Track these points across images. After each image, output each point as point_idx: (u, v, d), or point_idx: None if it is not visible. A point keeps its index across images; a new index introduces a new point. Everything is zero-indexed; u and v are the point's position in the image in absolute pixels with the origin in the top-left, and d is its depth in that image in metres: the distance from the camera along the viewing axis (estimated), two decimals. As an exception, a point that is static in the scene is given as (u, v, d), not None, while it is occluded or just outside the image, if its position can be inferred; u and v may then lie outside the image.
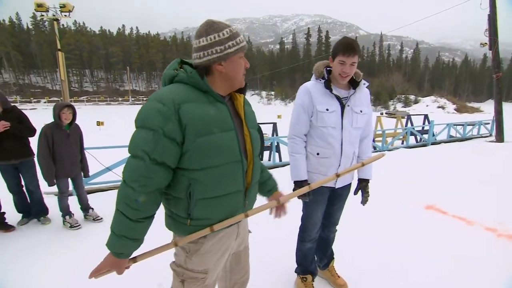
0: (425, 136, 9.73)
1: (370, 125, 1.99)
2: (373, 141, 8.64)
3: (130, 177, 1.02)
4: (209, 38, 1.07)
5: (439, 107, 40.54)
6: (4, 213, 3.28)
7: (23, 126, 3.21)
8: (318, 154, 1.86)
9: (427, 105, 41.71)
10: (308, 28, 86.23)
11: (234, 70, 1.12)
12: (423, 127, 10.37)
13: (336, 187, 1.95)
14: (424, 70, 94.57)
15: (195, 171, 1.07)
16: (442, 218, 3.50)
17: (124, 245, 1.06)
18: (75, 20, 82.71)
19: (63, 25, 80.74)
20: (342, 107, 1.80)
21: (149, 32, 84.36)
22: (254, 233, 1.53)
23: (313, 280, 2.17)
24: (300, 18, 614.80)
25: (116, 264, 1.08)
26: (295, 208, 1.99)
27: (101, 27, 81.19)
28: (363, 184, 1.97)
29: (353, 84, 1.83)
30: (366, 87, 1.90)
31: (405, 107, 44.14)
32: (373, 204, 3.94)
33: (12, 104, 3.25)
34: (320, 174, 1.88)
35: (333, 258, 2.29)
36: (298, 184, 1.86)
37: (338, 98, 1.79)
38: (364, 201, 2.00)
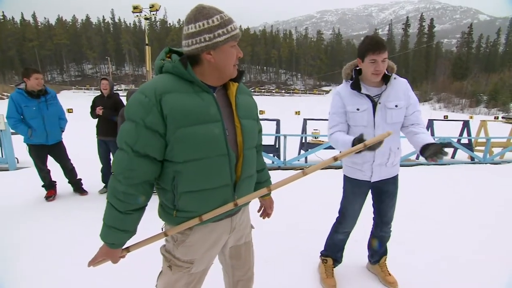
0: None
1: (416, 115, 1.83)
2: (473, 151, 7.06)
3: (116, 169, 1.04)
4: (198, 25, 1.00)
5: None
6: (80, 179, 3.99)
7: (115, 111, 3.85)
8: None
9: None
10: (407, 17, 76.32)
11: (224, 60, 1.05)
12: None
13: (372, 181, 1.92)
14: None
15: (178, 163, 1.04)
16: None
17: (115, 236, 1.09)
18: (179, 19, 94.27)
19: (169, 23, 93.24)
20: (374, 105, 1.78)
21: (240, 26, 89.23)
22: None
23: (334, 266, 2.20)
24: (401, 6, 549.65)
25: (110, 253, 1.13)
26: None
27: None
28: (432, 151, 1.52)
29: (386, 79, 1.79)
30: (402, 77, 1.85)
31: (536, 111, 34.83)
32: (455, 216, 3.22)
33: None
34: (356, 169, 1.92)
35: (386, 254, 2.22)
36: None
37: (368, 97, 1.78)
38: (436, 157, 1.51)
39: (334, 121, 1.86)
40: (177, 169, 1.04)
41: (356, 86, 1.78)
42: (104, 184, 4.11)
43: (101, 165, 4.06)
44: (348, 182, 2.00)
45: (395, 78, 1.79)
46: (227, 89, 1.15)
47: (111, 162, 4.04)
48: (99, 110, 3.80)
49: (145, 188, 1.06)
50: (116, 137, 3.76)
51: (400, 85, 1.81)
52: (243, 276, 1.40)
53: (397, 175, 1.99)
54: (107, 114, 3.83)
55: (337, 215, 2.13)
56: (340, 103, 1.84)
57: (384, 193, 1.99)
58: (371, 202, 2.08)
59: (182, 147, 1.02)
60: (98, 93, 4.11)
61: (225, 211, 1.13)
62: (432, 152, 1.50)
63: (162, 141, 1.02)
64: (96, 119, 3.97)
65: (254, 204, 1.47)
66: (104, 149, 3.99)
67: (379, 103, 1.76)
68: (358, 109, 1.79)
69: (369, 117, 1.78)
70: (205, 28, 1.00)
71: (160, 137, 1.01)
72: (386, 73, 1.78)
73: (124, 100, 3.94)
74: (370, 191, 2.03)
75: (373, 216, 2.12)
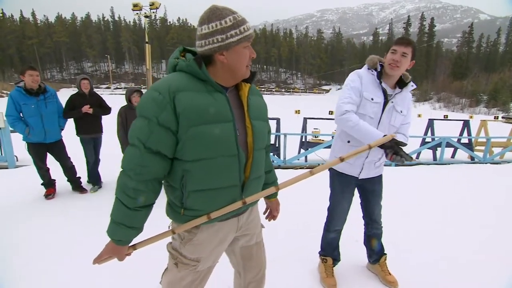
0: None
1: (406, 126, 1.97)
2: (473, 150, 7.05)
3: (127, 165, 1.03)
4: (211, 26, 1.01)
5: None
6: (80, 177, 4.00)
7: (102, 108, 3.97)
8: (349, 142, 1.90)
9: None
10: (408, 16, 76.05)
11: (237, 60, 1.05)
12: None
13: (360, 178, 1.98)
14: None
15: (188, 162, 1.04)
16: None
17: (122, 232, 1.08)
18: (179, 17, 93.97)
19: (169, 21, 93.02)
20: (385, 103, 1.84)
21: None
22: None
23: (333, 264, 2.22)
24: (401, 6, 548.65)
25: (116, 251, 1.11)
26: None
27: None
28: (391, 149, 1.57)
29: (401, 85, 1.87)
30: (410, 92, 1.93)
31: (537, 111, 34.72)
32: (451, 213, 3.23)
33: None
34: (348, 163, 1.94)
35: (385, 254, 2.24)
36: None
37: (384, 92, 1.84)
38: (395, 160, 1.57)
39: (349, 98, 1.80)
40: (186, 167, 1.05)
41: (379, 77, 1.84)
42: (92, 183, 4.11)
43: (87, 164, 4.03)
44: (336, 179, 2.04)
45: (412, 85, 1.88)
46: (239, 90, 1.15)
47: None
48: (88, 109, 3.77)
49: (154, 185, 1.06)
50: (100, 133, 3.71)
51: (409, 97, 1.95)
52: (254, 277, 1.40)
53: (381, 174, 2.09)
54: (97, 112, 3.89)
55: (327, 213, 2.16)
56: (359, 84, 1.83)
57: (371, 192, 2.07)
58: (359, 202, 2.15)
59: (193, 146, 1.02)
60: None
61: (233, 209, 1.13)
62: (389, 146, 1.55)
63: (174, 138, 1.02)
64: (72, 118, 3.84)
65: (261, 205, 1.46)
66: (93, 147, 4.01)
67: (391, 102, 1.84)
68: (372, 99, 1.82)
69: (378, 111, 1.83)
70: (218, 29, 1.00)
71: (172, 135, 1.01)
72: (402, 77, 1.87)
73: (122, 98, 3.93)
74: (356, 189, 2.09)
75: (362, 215, 2.18)
